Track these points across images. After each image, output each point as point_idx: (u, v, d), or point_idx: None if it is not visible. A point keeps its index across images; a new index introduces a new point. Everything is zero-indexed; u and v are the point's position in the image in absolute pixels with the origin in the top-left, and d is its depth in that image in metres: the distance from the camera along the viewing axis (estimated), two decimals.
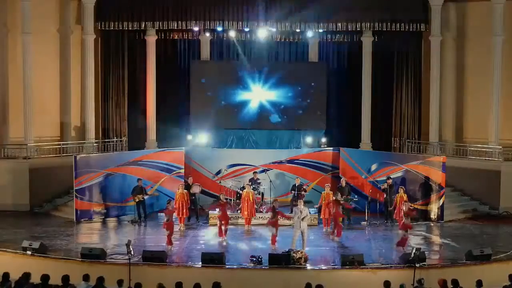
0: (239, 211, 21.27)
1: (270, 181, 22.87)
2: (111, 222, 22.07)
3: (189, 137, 25.33)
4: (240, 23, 24.95)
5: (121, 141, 25.72)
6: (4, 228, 20.49)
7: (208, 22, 24.94)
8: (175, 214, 20.78)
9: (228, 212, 20.33)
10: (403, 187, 21.15)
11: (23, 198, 23.28)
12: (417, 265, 15.51)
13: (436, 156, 23.44)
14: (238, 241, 19.66)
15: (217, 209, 19.95)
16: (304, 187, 22.65)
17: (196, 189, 22.13)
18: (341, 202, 20.28)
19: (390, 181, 21.92)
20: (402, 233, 18.64)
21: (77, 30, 25.40)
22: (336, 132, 26.06)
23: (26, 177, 23.24)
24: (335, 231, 19.68)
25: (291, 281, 15.84)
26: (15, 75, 24.16)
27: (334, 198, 20.15)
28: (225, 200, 20.42)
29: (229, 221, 20.26)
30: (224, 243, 19.20)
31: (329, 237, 19.95)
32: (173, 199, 21.11)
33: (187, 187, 22.07)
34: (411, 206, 20.19)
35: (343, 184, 22.04)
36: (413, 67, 25.84)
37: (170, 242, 18.67)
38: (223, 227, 19.60)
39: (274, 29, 25.34)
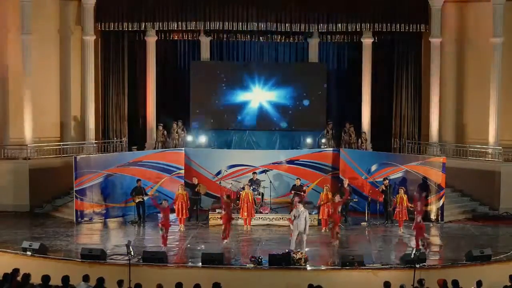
0: (238, 212, 21.26)
1: (270, 182, 22.86)
2: (111, 222, 22.07)
3: (189, 137, 25.31)
4: (240, 23, 25.00)
5: (121, 141, 25.72)
6: (4, 229, 20.49)
7: (208, 23, 25.00)
8: (175, 215, 20.88)
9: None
10: (403, 187, 21.14)
11: (23, 199, 23.27)
12: (417, 265, 15.50)
13: (436, 156, 23.45)
14: (238, 241, 19.65)
15: (222, 210, 19.91)
16: (304, 188, 22.65)
17: (203, 189, 22.22)
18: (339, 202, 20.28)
19: (386, 182, 21.91)
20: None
21: (77, 31, 25.40)
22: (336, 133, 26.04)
23: (26, 178, 23.23)
24: (333, 235, 19.57)
25: (291, 281, 15.83)
26: (15, 75, 24.16)
27: (333, 199, 20.15)
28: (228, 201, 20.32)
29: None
30: (227, 244, 19.17)
31: (328, 237, 19.94)
32: (172, 199, 21.17)
33: (193, 187, 22.12)
34: (411, 207, 20.23)
35: (345, 185, 22.05)
36: (413, 68, 25.86)
37: (165, 242, 18.65)
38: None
39: (274, 30, 25.34)
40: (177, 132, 24.99)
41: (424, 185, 22.15)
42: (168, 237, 18.83)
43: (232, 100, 25.92)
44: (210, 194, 23.42)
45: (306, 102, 25.95)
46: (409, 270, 15.55)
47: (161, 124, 25.33)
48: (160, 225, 19.03)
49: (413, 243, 18.80)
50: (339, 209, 19.92)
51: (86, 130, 25.09)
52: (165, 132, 25.09)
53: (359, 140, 24.98)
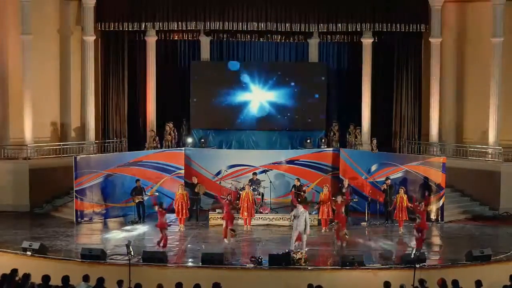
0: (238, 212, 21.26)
1: (270, 182, 22.87)
2: (111, 222, 22.07)
3: (189, 138, 25.30)
4: (240, 23, 25.02)
5: (121, 141, 25.71)
6: (4, 229, 20.50)
7: (208, 23, 25.01)
8: (174, 215, 20.88)
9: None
10: (403, 187, 21.15)
11: (23, 199, 23.27)
12: (417, 265, 15.50)
13: (436, 156, 23.46)
14: (238, 241, 19.65)
15: (222, 209, 19.92)
16: (304, 188, 22.65)
17: (202, 189, 22.30)
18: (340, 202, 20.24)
19: (389, 181, 21.94)
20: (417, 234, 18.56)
21: (77, 31, 25.40)
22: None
23: (26, 178, 23.23)
24: (338, 237, 19.45)
25: (291, 281, 15.84)
26: (15, 76, 24.16)
27: (336, 201, 20.13)
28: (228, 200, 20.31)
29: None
30: (228, 244, 19.13)
31: (328, 237, 19.94)
32: (172, 199, 21.16)
33: (192, 187, 22.14)
34: (411, 206, 20.22)
35: (346, 185, 22.04)
36: (413, 68, 25.84)
37: (163, 244, 18.59)
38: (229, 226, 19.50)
39: (274, 29, 25.35)
40: (169, 134, 24.90)
41: (425, 185, 22.16)
42: (167, 238, 18.80)
43: (232, 100, 25.91)
44: (210, 194, 23.43)
45: (306, 102, 25.94)
46: (409, 270, 15.55)
47: (153, 131, 25.13)
48: (158, 227, 19.02)
49: (413, 243, 18.78)
50: (343, 210, 19.90)
51: (86, 130, 25.07)
52: (157, 138, 24.63)
53: (370, 146, 24.77)
